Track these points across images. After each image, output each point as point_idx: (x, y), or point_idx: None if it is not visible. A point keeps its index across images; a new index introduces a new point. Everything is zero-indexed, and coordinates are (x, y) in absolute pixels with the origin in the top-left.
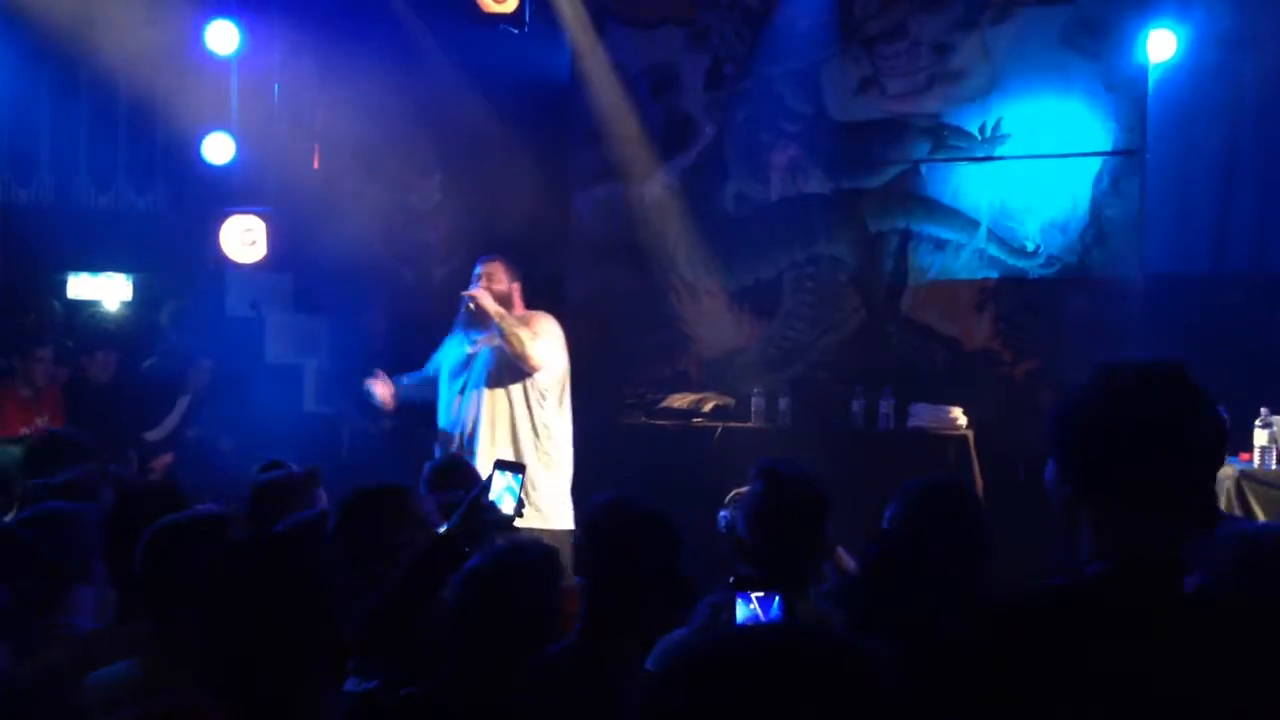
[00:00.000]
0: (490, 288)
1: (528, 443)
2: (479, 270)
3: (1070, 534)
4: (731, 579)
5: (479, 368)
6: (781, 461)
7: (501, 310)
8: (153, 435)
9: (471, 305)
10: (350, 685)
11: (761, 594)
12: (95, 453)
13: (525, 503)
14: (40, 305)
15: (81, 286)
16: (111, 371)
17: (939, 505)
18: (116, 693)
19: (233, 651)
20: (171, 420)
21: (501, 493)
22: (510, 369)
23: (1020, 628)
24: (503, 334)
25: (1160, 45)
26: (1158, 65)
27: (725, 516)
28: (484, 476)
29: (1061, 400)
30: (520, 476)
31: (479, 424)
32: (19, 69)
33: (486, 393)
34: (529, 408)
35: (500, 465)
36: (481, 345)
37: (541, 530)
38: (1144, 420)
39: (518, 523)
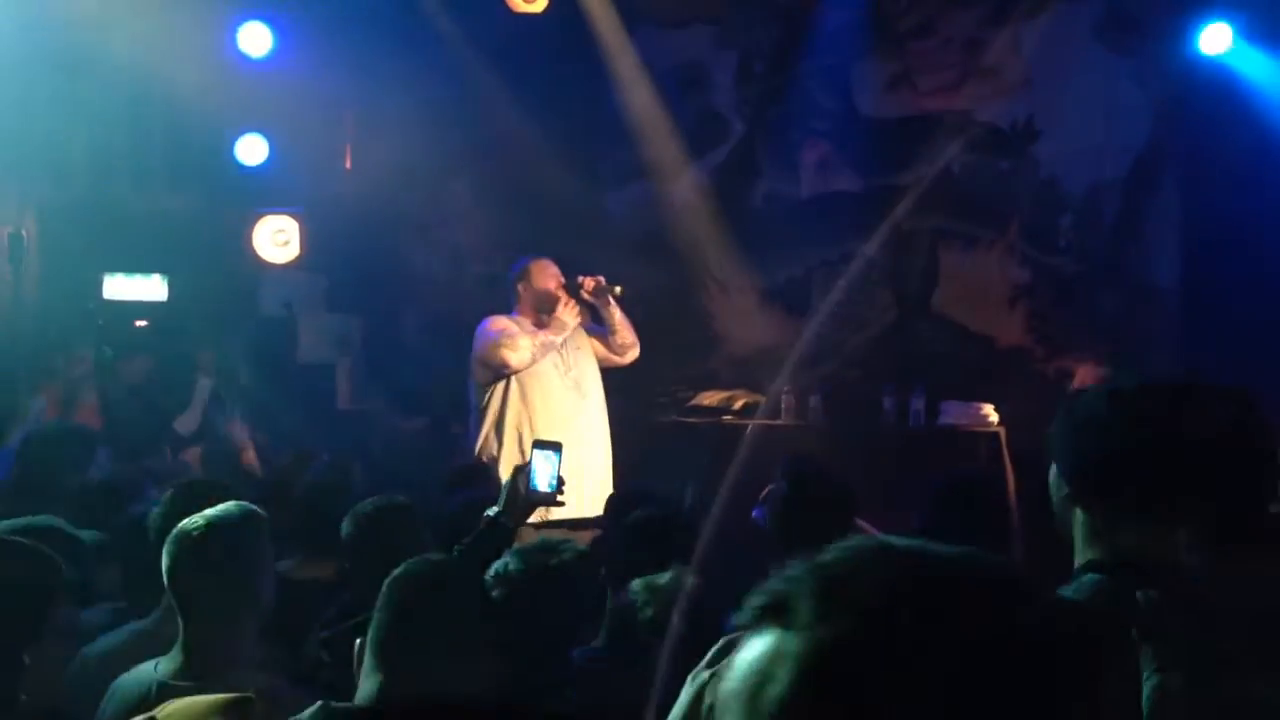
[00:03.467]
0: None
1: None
2: (524, 268)
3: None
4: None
5: (581, 367)
6: (806, 460)
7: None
8: (181, 424)
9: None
10: None
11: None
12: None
13: (564, 480)
14: (77, 306)
15: (117, 287)
16: (145, 375)
17: (962, 499)
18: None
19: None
20: (197, 406)
21: (543, 472)
22: (600, 364)
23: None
24: (616, 327)
25: (1213, 39)
26: (1203, 60)
27: (761, 514)
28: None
29: (1068, 405)
30: (560, 455)
31: (591, 427)
32: (54, 71)
33: (593, 392)
34: (605, 402)
35: (540, 445)
36: (571, 345)
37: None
38: (1140, 425)
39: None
